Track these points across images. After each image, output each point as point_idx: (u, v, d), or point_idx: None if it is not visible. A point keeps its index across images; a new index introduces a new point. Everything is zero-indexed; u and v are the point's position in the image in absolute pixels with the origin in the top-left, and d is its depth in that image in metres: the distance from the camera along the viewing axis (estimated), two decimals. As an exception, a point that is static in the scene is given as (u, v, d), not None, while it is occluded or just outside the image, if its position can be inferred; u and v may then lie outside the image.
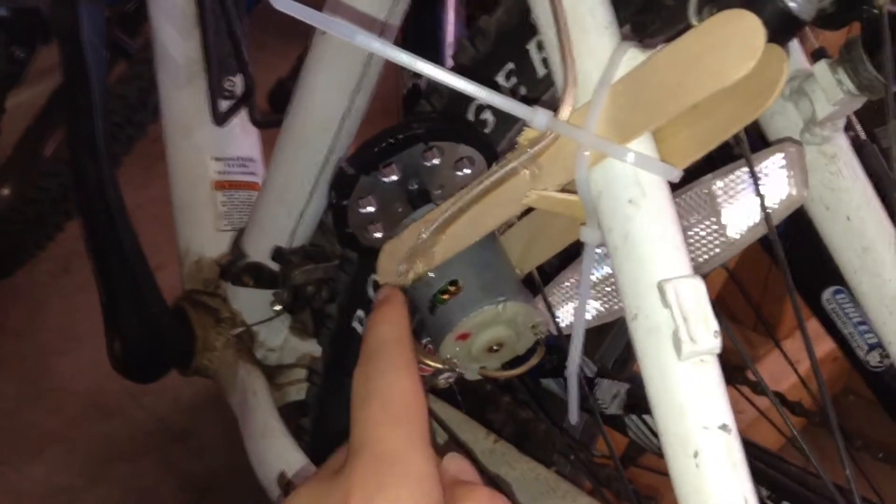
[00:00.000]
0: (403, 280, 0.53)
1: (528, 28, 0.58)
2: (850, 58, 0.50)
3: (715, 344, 0.38)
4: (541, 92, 0.59)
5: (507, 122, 0.62)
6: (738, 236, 0.48)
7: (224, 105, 0.96)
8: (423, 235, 0.50)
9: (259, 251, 0.92)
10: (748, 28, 0.37)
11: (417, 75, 1.05)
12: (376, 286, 0.73)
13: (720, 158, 0.51)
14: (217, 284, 0.99)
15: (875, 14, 0.47)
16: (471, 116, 0.64)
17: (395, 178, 0.55)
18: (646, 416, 0.79)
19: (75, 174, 0.88)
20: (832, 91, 0.50)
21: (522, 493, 0.74)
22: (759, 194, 0.47)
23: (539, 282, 0.59)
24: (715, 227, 0.49)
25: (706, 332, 0.38)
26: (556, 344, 0.67)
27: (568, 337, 0.52)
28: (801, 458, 0.69)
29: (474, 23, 0.63)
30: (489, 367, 0.55)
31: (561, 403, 0.89)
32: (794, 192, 0.47)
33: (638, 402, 0.80)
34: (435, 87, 0.66)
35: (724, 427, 0.38)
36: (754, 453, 0.76)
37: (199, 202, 1.00)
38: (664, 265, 0.40)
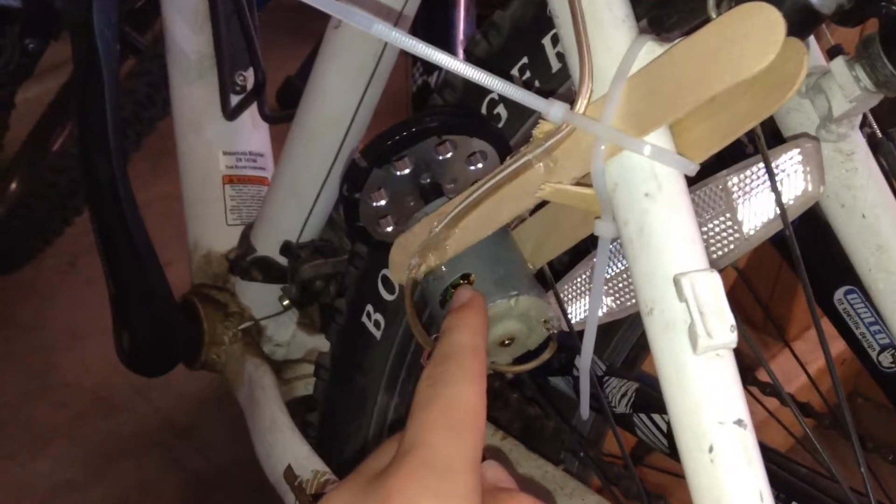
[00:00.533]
0: (415, 274, 0.53)
1: (543, 22, 0.58)
2: (867, 55, 0.49)
3: (731, 338, 0.38)
4: (555, 86, 0.59)
5: (520, 117, 0.62)
6: (752, 232, 0.48)
7: (235, 100, 0.96)
8: (436, 229, 0.50)
9: (268, 246, 0.92)
10: (768, 21, 0.37)
11: (427, 73, 1.05)
12: (387, 281, 0.73)
13: (732, 156, 0.51)
14: (226, 279, 0.99)
15: (893, 11, 0.47)
16: (483, 111, 0.64)
17: (407, 171, 0.54)
18: (654, 415, 0.79)
19: (86, 167, 0.88)
20: (849, 88, 0.50)
21: (530, 490, 0.74)
22: (775, 190, 0.46)
23: (550, 277, 0.58)
24: (730, 222, 0.48)
25: (722, 327, 0.38)
26: (564, 342, 0.67)
27: (578, 334, 0.51)
28: (811, 459, 0.69)
29: (485, 21, 0.63)
30: (500, 362, 0.54)
31: (569, 401, 0.89)
32: (810, 187, 0.47)
33: (647, 401, 0.79)
34: (448, 81, 0.66)
35: (739, 422, 0.38)
36: (764, 454, 0.75)
37: (208, 196, 1.00)
38: (680, 259, 0.39)
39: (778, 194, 0.46)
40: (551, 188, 0.45)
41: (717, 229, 0.49)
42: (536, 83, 0.59)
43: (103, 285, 0.96)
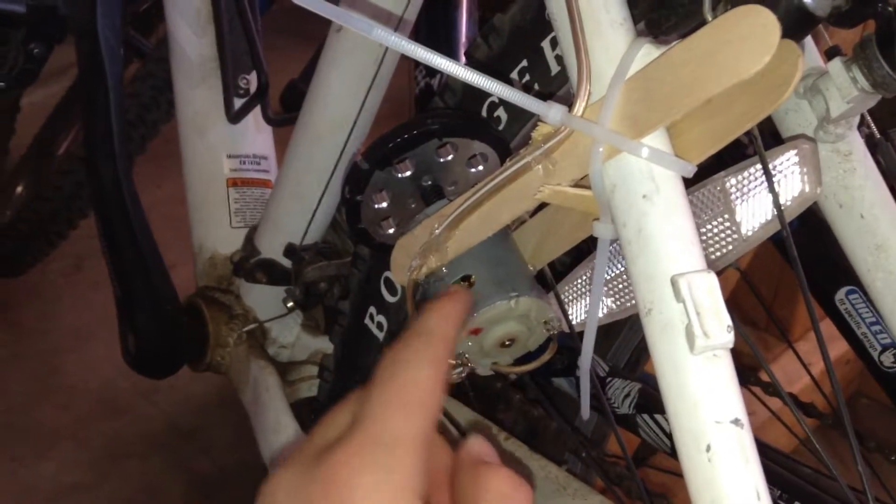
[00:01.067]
0: (417, 275, 0.53)
1: (542, 25, 0.58)
2: (864, 55, 0.50)
3: (728, 339, 0.38)
4: (554, 89, 0.59)
5: (520, 120, 0.62)
6: (750, 233, 0.48)
7: (238, 103, 0.97)
8: (437, 231, 0.51)
9: (272, 248, 0.93)
10: (763, 24, 0.37)
11: (430, 75, 1.06)
12: (389, 283, 0.74)
13: (731, 157, 0.51)
14: (230, 281, 1.00)
15: (890, 12, 0.47)
16: (483, 113, 0.64)
17: (408, 173, 0.55)
18: (657, 416, 0.79)
19: (91, 171, 0.88)
20: (846, 89, 0.50)
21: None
22: (772, 191, 0.47)
23: (551, 278, 0.59)
24: (728, 223, 0.49)
25: (719, 327, 0.38)
26: (567, 343, 0.67)
27: (579, 335, 0.52)
28: (814, 459, 0.69)
29: (487, 23, 0.64)
30: (501, 363, 0.55)
31: (572, 402, 0.89)
32: (807, 189, 0.47)
33: (650, 401, 0.79)
34: (448, 84, 0.66)
35: (736, 421, 0.38)
36: (766, 454, 0.76)
37: (213, 199, 1.00)
38: (678, 260, 0.40)
39: (775, 195, 0.46)
40: (550, 190, 0.45)
41: (715, 230, 0.49)
42: (536, 86, 0.59)
43: (108, 288, 0.96)
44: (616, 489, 0.74)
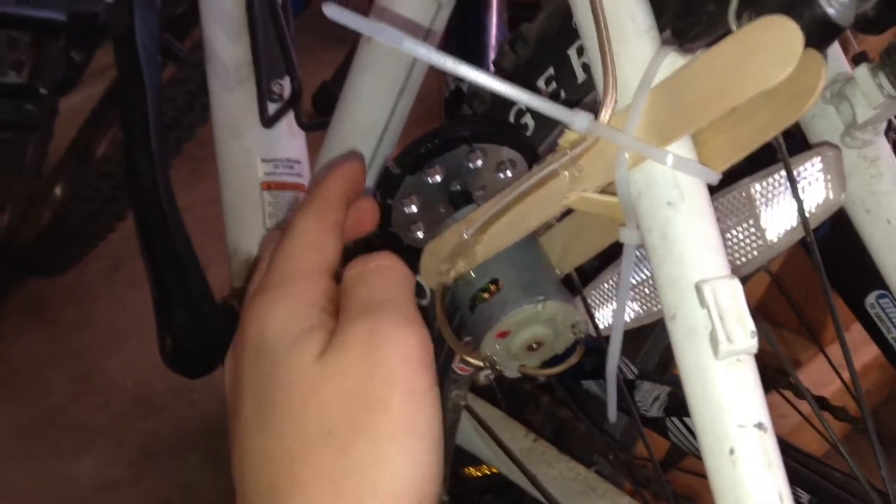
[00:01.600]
0: (445, 279, 0.54)
1: (568, 33, 0.59)
2: (890, 62, 0.50)
3: (751, 344, 0.39)
4: (580, 97, 0.60)
5: (547, 126, 0.63)
6: (775, 239, 0.49)
7: (272, 108, 0.98)
8: (465, 235, 0.52)
9: (304, 251, 0.94)
10: (786, 34, 0.38)
11: (459, 79, 1.06)
12: (418, 287, 0.75)
13: (760, 160, 0.51)
14: (264, 283, 1.01)
15: (917, 19, 0.47)
16: (511, 120, 0.65)
17: (438, 178, 0.56)
18: (686, 419, 0.79)
19: (130, 174, 0.90)
20: (873, 95, 0.51)
21: (561, 492, 0.75)
22: (796, 198, 0.47)
23: (578, 283, 0.59)
24: (753, 229, 0.49)
25: (743, 332, 0.39)
26: (596, 346, 0.68)
27: (606, 339, 0.52)
28: (846, 463, 0.69)
29: (516, 24, 0.64)
30: (528, 366, 0.55)
31: (601, 405, 0.90)
32: (831, 195, 0.48)
33: (678, 404, 0.80)
34: (476, 91, 0.67)
35: (759, 426, 0.38)
36: (796, 457, 0.76)
37: (247, 202, 1.02)
38: (702, 266, 0.40)
39: (800, 202, 0.47)
40: (577, 196, 0.46)
41: (740, 236, 0.50)
42: (562, 93, 0.60)
43: (145, 288, 0.98)
44: (644, 491, 0.75)
